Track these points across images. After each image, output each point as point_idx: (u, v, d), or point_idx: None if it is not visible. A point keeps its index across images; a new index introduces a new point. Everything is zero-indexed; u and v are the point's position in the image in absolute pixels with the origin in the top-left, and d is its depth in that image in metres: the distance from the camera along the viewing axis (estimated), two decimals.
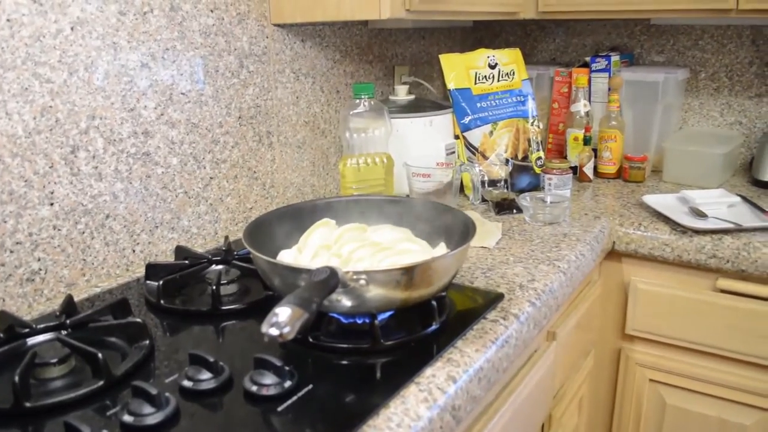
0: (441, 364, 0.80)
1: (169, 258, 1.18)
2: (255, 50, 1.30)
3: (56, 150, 0.99)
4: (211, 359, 0.74)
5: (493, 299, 0.97)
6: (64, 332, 0.86)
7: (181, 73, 1.16)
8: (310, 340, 0.83)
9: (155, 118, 1.13)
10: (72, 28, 0.98)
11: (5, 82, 0.91)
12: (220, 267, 1.10)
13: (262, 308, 0.93)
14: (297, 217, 1.02)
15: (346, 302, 0.80)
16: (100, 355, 0.74)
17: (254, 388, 0.72)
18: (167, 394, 0.71)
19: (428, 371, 0.78)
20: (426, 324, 0.87)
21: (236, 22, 1.25)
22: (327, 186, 1.56)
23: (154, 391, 0.68)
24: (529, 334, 0.97)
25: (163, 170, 1.16)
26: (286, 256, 0.93)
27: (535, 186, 1.56)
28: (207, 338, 0.89)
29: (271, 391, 0.72)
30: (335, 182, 1.58)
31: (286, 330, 0.63)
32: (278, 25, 1.34)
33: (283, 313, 0.64)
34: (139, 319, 0.84)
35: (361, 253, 0.92)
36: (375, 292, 0.78)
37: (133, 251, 1.13)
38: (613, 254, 1.38)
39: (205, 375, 0.74)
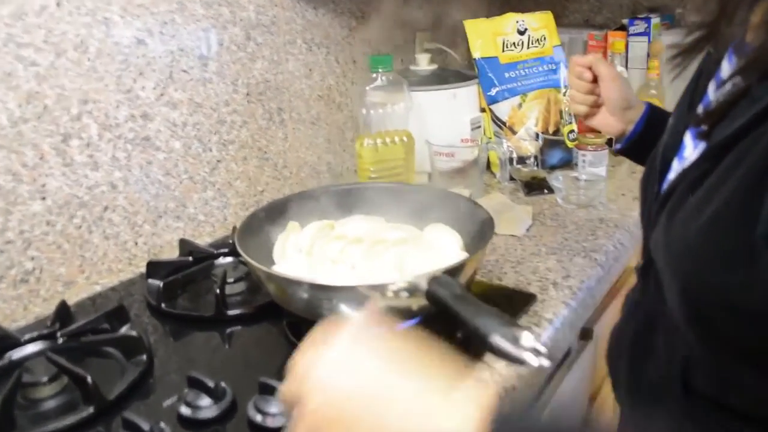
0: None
1: (175, 248, 1.10)
2: (263, 20, 1.19)
3: (46, 139, 0.90)
4: (211, 384, 0.67)
5: (524, 301, 0.88)
6: (57, 342, 0.79)
7: (181, 48, 1.06)
8: None
9: (154, 99, 1.04)
10: (58, 4, 0.89)
11: None
12: (227, 260, 1.02)
13: (269, 313, 0.86)
14: (281, 213, 0.93)
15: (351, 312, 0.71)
16: (89, 378, 0.67)
17: (258, 418, 0.65)
18: (162, 424, 0.63)
19: None
20: (448, 334, 0.78)
21: None
22: (344, 163, 1.47)
23: (146, 426, 0.61)
24: (564, 339, 0.88)
25: (165, 155, 1.07)
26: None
27: (567, 161, 1.45)
28: (210, 350, 0.82)
29: (278, 422, 0.64)
30: (352, 159, 1.48)
31: (544, 350, 0.51)
32: None
33: (529, 338, 0.51)
34: (134, 332, 0.77)
35: (352, 252, 0.83)
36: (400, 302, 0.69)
37: (136, 244, 1.06)
38: None
39: (205, 401, 0.67)
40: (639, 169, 1.44)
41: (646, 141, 0.86)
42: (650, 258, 0.69)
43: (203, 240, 1.14)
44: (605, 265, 1.02)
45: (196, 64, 1.09)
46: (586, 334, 1.05)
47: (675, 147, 0.65)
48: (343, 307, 0.70)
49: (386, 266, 0.79)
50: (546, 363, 0.47)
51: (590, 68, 0.92)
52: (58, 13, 0.89)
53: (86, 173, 0.96)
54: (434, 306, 0.60)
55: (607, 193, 1.29)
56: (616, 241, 1.08)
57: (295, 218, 0.91)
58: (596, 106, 0.95)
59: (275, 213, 0.90)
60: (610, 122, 0.93)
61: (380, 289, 0.65)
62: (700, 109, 0.61)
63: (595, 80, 0.93)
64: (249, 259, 0.73)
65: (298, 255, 0.83)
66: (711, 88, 0.61)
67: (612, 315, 1.15)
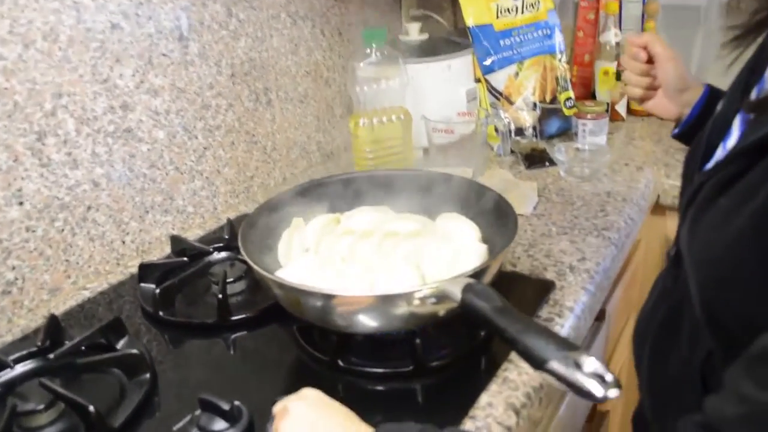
0: (497, 388, 0.67)
1: (164, 244, 1.04)
2: None
3: (18, 139, 0.83)
4: (226, 406, 0.62)
5: (543, 289, 0.84)
6: (49, 360, 0.73)
7: (159, 30, 0.98)
8: (341, 363, 0.70)
9: (134, 87, 0.96)
10: None
11: None
12: (222, 255, 0.97)
13: (274, 315, 0.80)
14: (282, 207, 0.86)
15: (371, 323, 0.66)
16: (91, 408, 0.62)
17: None
18: None
19: (483, 399, 0.66)
20: (471, 331, 0.74)
21: None
22: (334, 141, 1.40)
23: None
24: (585, 326, 0.85)
25: (148, 147, 1.00)
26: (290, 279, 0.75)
27: (565, 130, 1.40)
28: (216, 361, 0.76)
29: None
30: (342, 136, 1.42)
31: (611, 377, 0.45)
32: None
33: (593, 363, 0.45)
34: (135, 350, 0.71)
35: (362, 248, 0.77)
36: (425, 309, 0.64)
37: (123, 242, 0.99)
38: (656, 207, 1.25)
39: (220, 424, 0.62)
40: (637, 136, 1.41)
41: (703, 125, 0.82)
42: (680, 247, 0.66)
43: (194, 233, 1.08)
44: (618, 243, 0.98)
45: (176, 46, 1.01)
46: (599, 315, 1.02)
47: (722, 132, 0.60)
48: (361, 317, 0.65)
49: (401, 263, 0.73)
50: (614, 394, 0.43)
51: (645, 48, 0.86)
52: (23, 0, 0.81)
53: (65, 172, 0.89)
54: (471, 317, 0.56)
55: (609, 162, 1.25)
56: (626, 217, 1.04)
57: (298, 213, 0.85)
58: (652, 88, 0.89)
59: (276, 208, 0.84)
60: (666, 105, 0.89)
61: (406, 297, 0.61)
62: (754, 94, 0.57)
63: (650, 61, 0.87)
64: (257, 268, 0.67)
65: (306, 255, 0.78)
66: None
67: (621, 293, 1.12)
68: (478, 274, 0.63)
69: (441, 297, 0.60)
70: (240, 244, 0.72)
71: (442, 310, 0.63)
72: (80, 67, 0.88)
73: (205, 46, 1.06)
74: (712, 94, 0.84)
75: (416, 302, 0.61)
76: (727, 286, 0.51)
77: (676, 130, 0.89)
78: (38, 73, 0.83)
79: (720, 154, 0.60)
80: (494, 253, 0.73)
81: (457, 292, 0.57)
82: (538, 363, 0.46)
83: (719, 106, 0.64)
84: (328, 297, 0.62)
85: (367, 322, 0.65)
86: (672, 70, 0.85)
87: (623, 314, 1.19)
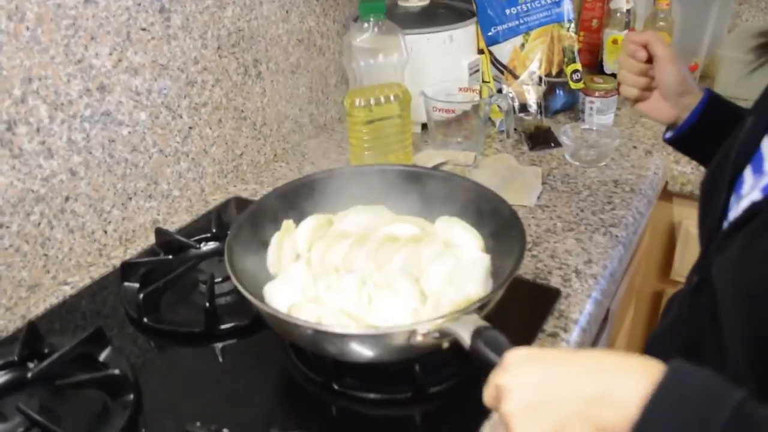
0: (499, 416, 0.64)
1: (149, 231, 0.98)
2: None
3: None
4: None
5: (548, 299, 0.80)
6: (27, 376, 0.69)
7: (138, 2, 0.90)
8: (335, 387, 0.67)
9: (111, 67, 0.88)
10: None
11: None
12: (211, 247, 0.92)
13: (263, 323, 0.76)
14: (271, 212, 0.80)
15: (367, 353, 0.62)
16: None
17: None
18: None
19: (486, 428, 0.63)
20: None
21: None
22: (328, 113, 1.33)
23: None
24: (590, 338, 0.81)
25: (129, 130, 0.93)
26: (281, 295, 0.69)
27: (571, 105, 1.34)
28: (204, 377, 0.72)
29: None
30: (337, 107, 1.35)
31: None
32: None
33: None
34: (118, 371, 0.67)
35: (357, 255, 0.72)
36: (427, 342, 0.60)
37: (105, 232, 0.94)
38: (663, 193, 1.20)
39: None
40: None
41: (700, 133, 0.76)
42: (705, 277, 0.61)
43: (180, 218, 1.03)
44: (626, 241, 0.93)
45: (157, 19, 0.93)
46: (604, 317, 0.98)
47: (750, 153, 0.55)
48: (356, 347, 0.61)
49: (400, 278, 0.69)
50: None
51: (645, 47, 0.80)
52: None
53: (40, 163, 0.82)
54: (481, 367, 0.51)
55: (617, 146, 1.19)
56: (634, 211, 1.00)
57: (288, 213, 0.80)
58: (649, 89, 0.83)
59: (265, 214, 0.79)
60: (663, 108, 0.83)
61: (408, 334, 0.56)
62: None
63: (649, 60, 0.81)
64: (251, 297, 0.62)
65: (298, 265, 0.73)
66: None
67: (625, 285, 1.09)
68: (485, 305, 0.59)
69: (445, 334, 0.56)
70: (228, 265, 0.67)
71: (445, 343, 0.59)
72: (51, 47, 0.80)
73: (188, 18, 0.98)
74: (711, 101, 0.79)
75: (418, 338, 0.57)
76: None
77: (669, 135, 0.84)
78: (4, 57, 0.76)
79: (750, 177, 0.55)
80: (500, 276, 0.68)
81: (465, 336, 0.53)
82: None
83: (747, 123, 0.59)
84: (322, 333, 0.58)
85: (364, 353, 0.61)
86: (673, 73, 0.79)
87: (626, 305, 1.16)
